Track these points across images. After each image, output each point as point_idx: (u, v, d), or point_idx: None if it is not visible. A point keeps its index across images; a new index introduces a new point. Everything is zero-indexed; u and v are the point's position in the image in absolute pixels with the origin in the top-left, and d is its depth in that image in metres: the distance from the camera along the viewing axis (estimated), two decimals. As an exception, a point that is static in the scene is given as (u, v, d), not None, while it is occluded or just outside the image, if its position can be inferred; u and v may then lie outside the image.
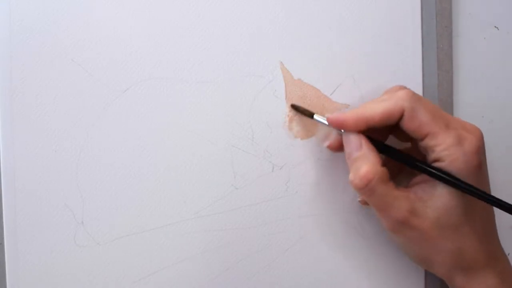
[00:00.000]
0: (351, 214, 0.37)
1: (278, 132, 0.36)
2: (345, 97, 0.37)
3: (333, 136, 0.35)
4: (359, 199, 0.37)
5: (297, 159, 0.36)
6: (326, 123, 0.33)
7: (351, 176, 0.32)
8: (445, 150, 0.31)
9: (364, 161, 0.32)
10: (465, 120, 0.33)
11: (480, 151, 0.32)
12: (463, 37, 0.39)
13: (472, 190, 0.31)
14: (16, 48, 0.34)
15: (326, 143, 0.35)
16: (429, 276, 0.38)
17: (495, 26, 0.40)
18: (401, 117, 0.32)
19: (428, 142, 0.32)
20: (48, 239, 0.34)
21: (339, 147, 0.34)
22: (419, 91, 0.38)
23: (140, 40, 0.35)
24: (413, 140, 0.34)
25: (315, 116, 0.34)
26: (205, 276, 0.36)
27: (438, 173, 0.31)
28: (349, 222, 0.37)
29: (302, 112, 0.36)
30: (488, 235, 0.33)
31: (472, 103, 0.39)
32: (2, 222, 0.34)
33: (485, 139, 0.38)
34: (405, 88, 0.34)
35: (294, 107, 0.36)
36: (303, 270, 0.37)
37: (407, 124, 0.32)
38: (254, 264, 0.36)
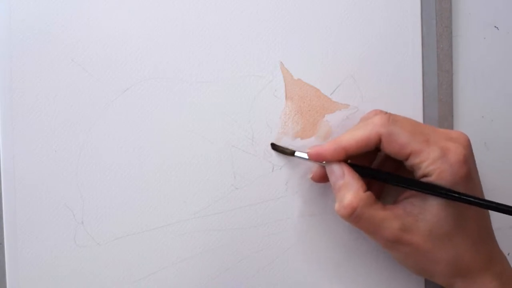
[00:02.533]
0: (351, 214, 0.37)
1: (278, 132, 0.36)
2: (345, 97, 0.37)
3: (314, 168, 0.35)
4: (310, 176, 0.36)
5: (297, 159, 0.36)
6: (307, 157, 0.34)
7: (336, 206, 0.32)
8: (430, 165, 0.31)
9: (348, 188, 0.32)
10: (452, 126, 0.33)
11: (466, 159, 0.31)
12: (463, 37, 0.39)
13: (464, 198, 0.31)
14: (16, 48, 0.34)
15: (309, 175, 0.36)
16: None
17: (495, 26, 0.40)
18: (379, 142, 0.32)
19: (412, 160, 0.32)
20: (48, 239, 0.34)
21: (322, 178, 0.35)
22: (419, 91, 0.38)
23: (140, 40, 0.35)
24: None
25: (296, 153, 0.35)
26: (205, 276, 0.36)
27: (427, 189, 0.31)
28: (349, 222, 0.37)
29: (282, 151, 0.36)
30: (484, 239, 0.33)
31: (472, 103, 0.39)
32: (2, 222, 0.34)
33: (485, 139, 0.39)
34: (380, 112, 0.34)
35: (274, 147, 0.36)
36: (303, 270, 0.37)
37: (387, 148, 0.32)
38: (254, 264, 0.36)
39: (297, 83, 0.36)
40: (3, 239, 0.34)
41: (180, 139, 0.35)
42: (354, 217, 0.32)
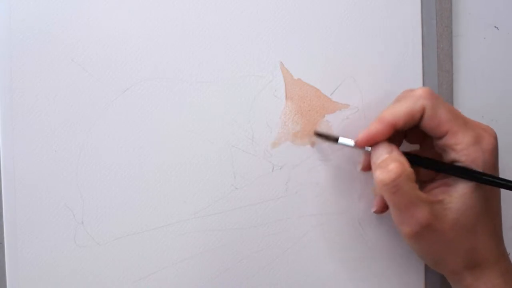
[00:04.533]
0: (351, 214, 0.37)
1: (278, 132, 0.36)
2: (345, 97, 0.37)
3: (362, 157, 0.35)
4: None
5: (297, 159, 0.36)
6: (352, 145, 0.33)
7: (378, 173, 0.31)
8: (464, 149, 0.31)
9: (393, 159, 0.32)
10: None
11: (496, 150, 0.32)
12: (463, 37, 0.39)
13: (504, 183, 0.31)
14: (16, 48, 0.34)
15: (359, 167, 0.35)
16: (429, 276, 0.38)
17: (495, 26, 0.40)
18: (422, 115, 0.32)
19: (447, 140, 0.32)
20: (48, 239, 0.34)
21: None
22: (419, 91, 0.38)
23: (140, 40, 0.35)
24: (425, 141, 0.34)
25: (340, 140, 0.34)
26: (205, 276, 0.36)
27: (470, 173, 0.31)
28: (349, 222, 0.37)
29: (326, 138, 0.35)
30: (497, 233, 0.34)
31: (472, 103, 0.39)
32: (2, 222, 0.34)
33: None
34: (422, 87, 0.34)
35: (318, 134, 0.36)
36: (303, 270, 0.37)
37: (428, 122, 0.32)
38: (254, 264, 0.36)
39: (297, 83, 0.36)
40: (3, 239, 0.34)
41: (180, 139, 0.35)
42: (394, 185, 0.31)
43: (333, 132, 0.37)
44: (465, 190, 0.32)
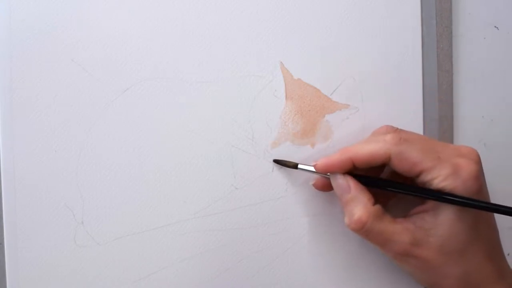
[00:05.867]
0: (351, 214, 0.37)
1: (278, 132, 0.36)
2: (345, 97, 0.37)
3: (317, 176, 0.35)
4: (311, 183, 0.36)
5: (297, 159, 0.36)
6: (313, 170, 0.34)
7: (346, 220, 0.33)
8: (442, 182, 0.31)
9: (355, 203, 0.32)
10: (461, 144, 0.33)
11: (478, 174, 0.31)
12: (463, 37, 0.39)
13: (482, 205, 0.31)
14: (16, 48, 0.34)
15: (311, 182, 0.36)
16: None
17: (495, 26, 0.40)
18: (388, 160, 0.32)
19: (423, 178, 0.32)
20: (48, 239, 0.34)
21: (324, 187, 0.35)
22: (419, 91, 0.38)
23: (140, 40, 0.35)
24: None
25: (300, 166, 0.35)
26: (205, 276, 0.36)
27: (440, 197, 0.31)
28: (349, 222, 0.37)
29: (285, 165, 0.36)
30: (494, 254, 0.33)
31: (472, 103, 0.39)
32: (2, 222, 0.34)
33: (485, 138, 0.39)
34: (392, 129, 0.34)
35: (277, 162, 0.36)
36: (303, 270, 0.37)
37: (398, 166, 0.32)
38: (254, 264, 0.36)
39: (297, 83, 0.36)
40: (3, 239, 0.34)
41: (180, 139, 0.35)
42: (364, 231, 0.32)
43: (333, 132, 0.37)
44: (448, 216, 0.31)
